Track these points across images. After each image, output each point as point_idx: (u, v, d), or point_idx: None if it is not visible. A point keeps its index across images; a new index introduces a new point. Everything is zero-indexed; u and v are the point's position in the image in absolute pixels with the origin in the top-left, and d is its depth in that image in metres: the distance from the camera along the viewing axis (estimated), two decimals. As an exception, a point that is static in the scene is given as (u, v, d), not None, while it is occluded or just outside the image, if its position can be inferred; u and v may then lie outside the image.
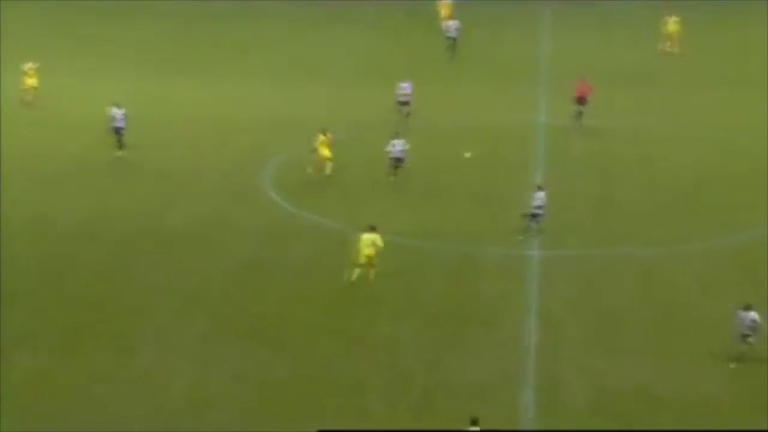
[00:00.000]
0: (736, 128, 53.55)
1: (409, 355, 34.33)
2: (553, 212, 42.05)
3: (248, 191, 46.56)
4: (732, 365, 33.36)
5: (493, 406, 31.36)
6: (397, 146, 46.88)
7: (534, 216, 41.48)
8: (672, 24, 64.85)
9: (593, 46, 66.87)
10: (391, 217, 43.00)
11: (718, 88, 59.46)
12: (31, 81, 55.43)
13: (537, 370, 33.44)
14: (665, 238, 42.27)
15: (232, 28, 70.70)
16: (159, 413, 31.27)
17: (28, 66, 55.67)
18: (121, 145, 49.48)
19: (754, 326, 33.33)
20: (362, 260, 37.80)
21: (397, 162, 46.81)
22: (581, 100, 52.70)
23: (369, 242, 37.74)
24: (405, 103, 53.78)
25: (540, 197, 41.61)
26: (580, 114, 52.81)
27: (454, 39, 64.62)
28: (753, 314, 33.38)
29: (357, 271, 37.79)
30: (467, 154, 49.03)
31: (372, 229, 38.09)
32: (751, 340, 33.34)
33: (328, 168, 46.94)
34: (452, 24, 65.25)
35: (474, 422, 28.77)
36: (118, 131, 49.38)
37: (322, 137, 47.06)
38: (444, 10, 67.98)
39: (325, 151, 46.92)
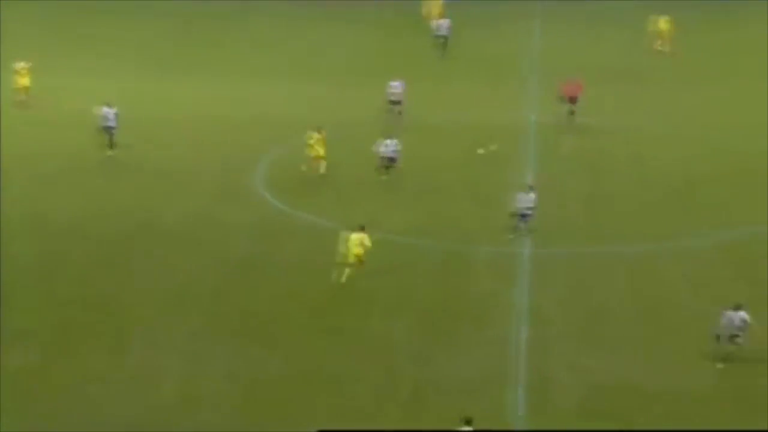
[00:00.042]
0: (726, 126, 53.76)
1: (400, 353, 34.45)
2: (543, 210, 42.20)
3: (241, 190, 46.66)
4: (719, 365, 33.49)
5: (484, 403, 31.46)
6: (390, 146, 47.00)
7: (523, 216, 41.61)
8: (662, 23, 65.07)
9: (584, 45, 67.10)
10: (383, 215, 43.19)
11: (709, 87, 59.71)
12: (24, 80, 55.49)
13: (527, 367, 33.57)
14: (655, 235, 42.43)
15: (226, 27, 70.91)
16: (150, 412, 31.33)
17: (20, 65, 55.74)
18: (111, 144, 49.58)
19: (743, 326, 33.35)
20: (351, 260, 37.96)
21: (390, 162, 46.94)
22: (572, 99, 52.92)
23: (357, 242, 37.93)
24: (396, 102, 53.91)
25: (530, 198, 41.72)
26: (571, 113, 53.02)
27: (446, 37, 64.83)
28: (742, 314, 33.38)
29: (347, 271, 37.93)
30: (480, 150, 49.12)
31: (361, 228, 38.26)
32: (739, 340, 33.39)
33: (322, 167, 47.03)
34: (443, 23, 65.46)
35: (468, 422, 28.83)
36: (109, 130, 49.49)
37: (317, 135, 47.13)
38: (435, 9, 68.17)
39: (320, 150, 46.99)
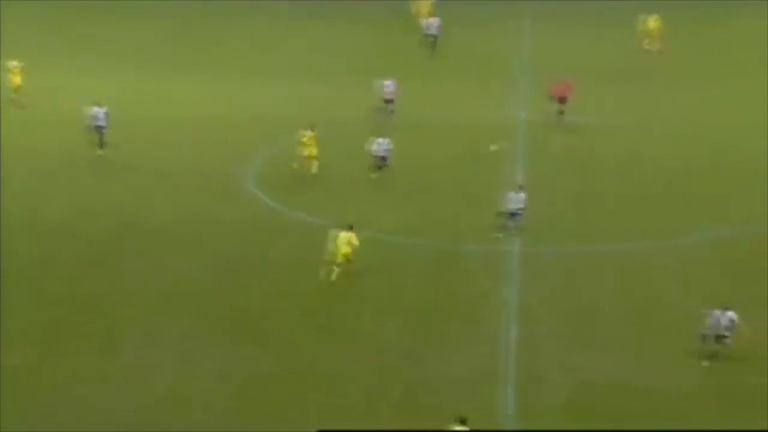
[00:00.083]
0: (715, 125, 54.01)
1: (390, 351, 34.58)
2: (533, 209, 42.34)
3: (233, 188, 46.75)
4: (705, 363, 33.67)
5: (474, 402, 31.59)
6: (381, 145, 47.14)
7: (513, 215, 41.75)
8: (651, 22, 65.26)
9: (573, 44, 67.25)
10: (374, 214, 43.33)
11: (698, 85, 59.94)
12: (16, 79, 55.50)
13: (517, 365, 33.71)
14: (644, 234, 42.61)
15: (220, 27, 71.00)
16: (142, 411, 31.40)
17: (13, 64, 55.75)
18: (101, 143, 49.65)
19: (731, 327, 33.45)
20: (340, 259, 38.11)
21: (381, 161, 47.06)
22: (561, 100, 53.10)
23: (346, 240, 38.09)
24: (389, 101, 54.07)
25: (520, 198, 41.85)
26: (561, 112, 53.19)
27: (435, 36, 64.98)
28: (731, 314, 33.48)
29: (336, 270, 38.07)
30: (493, 147, 49.29)
31: (350, 227, 38.44)
32: (727, 341, 33.54)
33: (314, 166, 47.09)
34: (433, 21, 65.61)
35: (462, 421, 28.86)
36: (99, 130, 49.56)
37: (309, 133, 47.17)
38: (424, 8, 68.30)
39: (312, 150, 47.04)
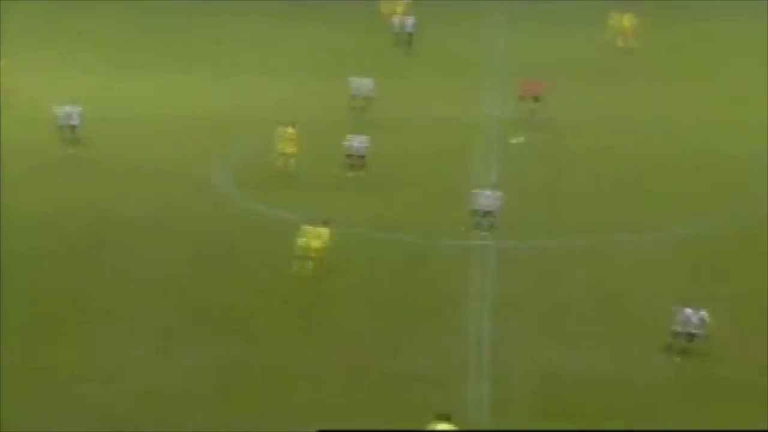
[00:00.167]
0: (688, 122, 54.17)
1: (365, 346, 34.75)
2: (505, 205, 42.50)
3: (210, 185, 46.77)
4: (676, 359, 33.92)
5: (448, 396, 31.81)
6: (359, 142, 47.28)
7: (487, 213, 41.87)
8: (625, 20, 65.42)
9: (547, 42, 67.31)
10: (351, 210, 43.51)
11: (672, 83, 60.05)
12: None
13: (490, 360, 33.95)
14: (616, 228, 42.86)
15: (190, 24, 70.76)
16: (119, 408, 31.50)
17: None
18: (74, 141, 49.57)
19: (701, 325, 33.68)
20: (311, 254, 38.22)
21: (358, 158, 47.16)
22: (535, 98, 53.24)
23: (316, 236, 38.22)
24: (365, 98, 54.17)
25: (493, 195, 41.97)
26: (534, 111, 53.30)
27: (410, 35, 65.11)
28: (702, 313, 33.70)
29: (308, 265, 38.18)
30: (514, 140, 49.37)
31: (324, 223, 38.57)
32: (697, 340, 33.73)
33: (292, 163, 47.13)
34: (408, 20, 65.72)
35: (445, 418, 28.87)
36: (71, 128, 49.49)
37: (290, 130, 47.22)
38: (399, 7, 68.36)
39: (291, 148, 47.07)
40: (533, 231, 42.48)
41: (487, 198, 41.97)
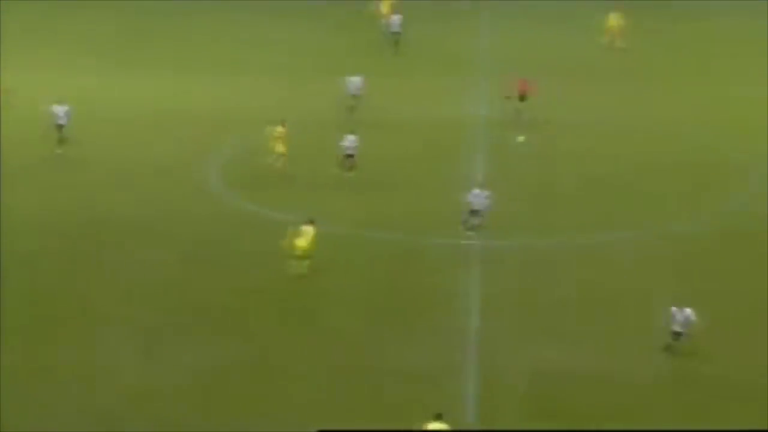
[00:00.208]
0: (676, 122, 54.35)
1: (355, 345, 34.80)
2: (494, 204, 42.51)
3: (200, 184, 46.82)
4: (663, 356, 33.91)
5: (438, 393, 31.88)
6: (349, 141, 47.26)
7: (475, 211, 41.90)
8: (613, 19, 65.50)
9: (534, 41, 67.47)
10: (340, 209, 43.65)
11: (660, 83, 60.28)
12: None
13: (480, 358, 33.97)
14: (604, 227, 42.93)
15: (178, 24, 70.85)
16: (110, 406, 31.52)
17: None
18: (61, 141, 49.48)
19: (687, 324, 33.71)
20: (298, 253, 38.20)
21: (349, 157, 47.18)
22: (521, 97, 53.24)
23: (301, 234, 38.20)
24: (355, 98, 54.20)
25: (482, 194, 41.96)
26: (520, 110, 53.26)
27: (398, 33, 65.15)
28: (688, 312, 33.74)
29: (295, 264, 38.17)
30: (520, 138, 49.31)
31: (310, 222, 38.59)
32: (683, 338, 33.76)
33: (282, 162, 47.06)
34: (395, 19, 65.74)
35: (438, 417, 28.93)
36: (59, 128, 49.41)
37: (280, 129, 47.16)
38: (386, 6, 68.37)
39: (280, 147, 47.02)
40: (522, 229, 42.51)
41: (475, 197, 41.96)
